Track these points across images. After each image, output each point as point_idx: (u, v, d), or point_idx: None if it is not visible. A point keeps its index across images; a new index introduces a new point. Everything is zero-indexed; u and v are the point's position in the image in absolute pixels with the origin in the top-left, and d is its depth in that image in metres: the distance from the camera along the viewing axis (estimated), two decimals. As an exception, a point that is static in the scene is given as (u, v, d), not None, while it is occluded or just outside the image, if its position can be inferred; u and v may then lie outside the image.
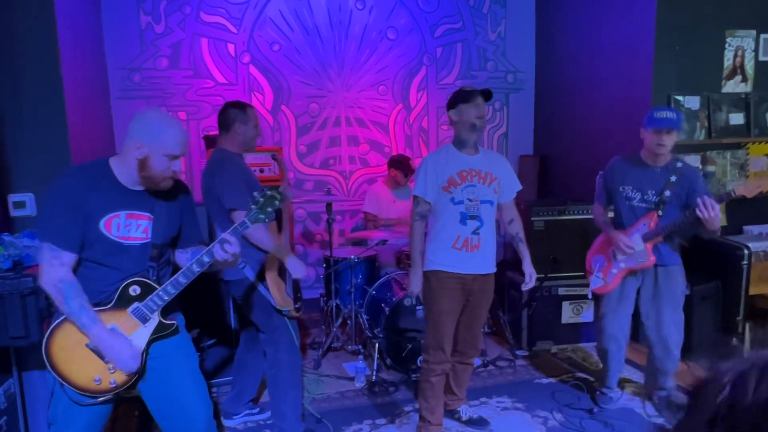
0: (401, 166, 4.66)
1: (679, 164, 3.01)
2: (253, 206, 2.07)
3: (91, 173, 2.00)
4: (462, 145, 2.82)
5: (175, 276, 2.04)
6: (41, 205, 2.07)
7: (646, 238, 3.04)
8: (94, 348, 1.98)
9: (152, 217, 2.06)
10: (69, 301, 1.91)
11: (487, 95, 2.77)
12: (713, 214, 2.73)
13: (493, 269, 2.91)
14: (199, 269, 2.03)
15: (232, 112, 2.91)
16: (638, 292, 3.16)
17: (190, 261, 2.10)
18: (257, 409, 3.30)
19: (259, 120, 3.01)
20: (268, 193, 2.08)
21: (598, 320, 3.35)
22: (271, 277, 2.84)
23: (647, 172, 3.03)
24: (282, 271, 2.90)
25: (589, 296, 3.42)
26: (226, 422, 3.24)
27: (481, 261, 2.83)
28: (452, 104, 2.80)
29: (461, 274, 2.80)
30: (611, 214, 3.29)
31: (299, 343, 2.95)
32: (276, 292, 2.82)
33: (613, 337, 3.22)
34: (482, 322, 3.04)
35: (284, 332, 2.87)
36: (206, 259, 2.03)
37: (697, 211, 2.77)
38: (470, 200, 2.77)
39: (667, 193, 2.98)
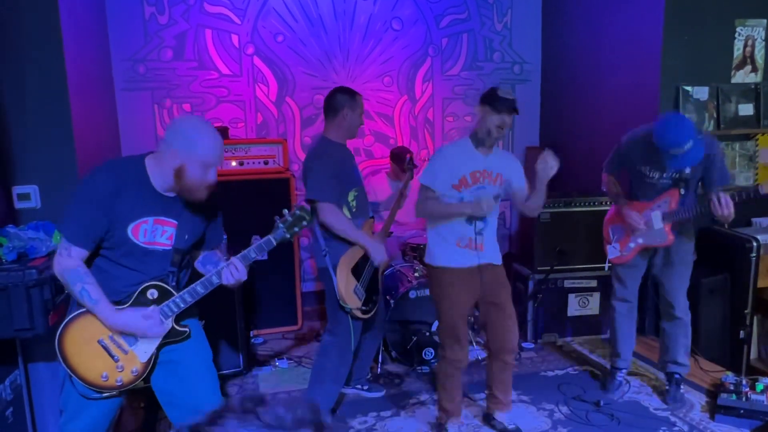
0: (397, 159, 4.61)
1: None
2: (280, 224, 2.09)
3: (125, 174, 1.98)
4: (479, 143, 2.77)
5: (193, 285, 2.06)
6: (67, 197, 2.08)
7: (665, 218, 3.02)
8: (106, 346, 1.99)
9: (177, 224, 2.05)
10: (72, 287, 1.95)
11: (514, 111, 2.72)
12: (727, 213, 2.76)
13: (498, 261, 2.88)
14: (218, 281, 2.07)
15: (341, 98, 2.99)
16: (650, 259, 3.22)
17: (200, 264, 2.14)
18: (367, 386, 3.44)
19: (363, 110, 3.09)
20: (297, 212, 2.10)
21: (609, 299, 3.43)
22: (342, 270, 2.91)
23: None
24: (360, 269, 3.01)
25: (606, 267, 3.48)
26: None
27: (484, 255, 2.81)
28: (483, 101, 2.72)
29: (467, 266, 2.78)
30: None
31: (356, 346, 3.04)
32: (342, 286, 2.90)
33: (624, 300, 3.29)
34: (507, 316, 2.86)
35: (345, 329, 2.97)
36: (215, 279, 2.08)
37: (711, 207, 2.79)
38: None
39: (687, 170, 2.94)
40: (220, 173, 4.02)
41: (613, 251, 3.28)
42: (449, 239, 2.77)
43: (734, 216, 2.80)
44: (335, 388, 3.09)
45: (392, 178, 4.69)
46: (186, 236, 2.08)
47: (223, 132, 4.36)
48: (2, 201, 2.95)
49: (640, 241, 3.14)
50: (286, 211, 2.11)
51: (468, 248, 2.76)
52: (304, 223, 2.10)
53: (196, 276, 2.13)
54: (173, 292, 2.05)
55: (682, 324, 3.18)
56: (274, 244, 2.08)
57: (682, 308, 3.16)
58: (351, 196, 2.98)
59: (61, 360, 1.98)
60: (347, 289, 2.92)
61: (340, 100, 2.98)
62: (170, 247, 2.05)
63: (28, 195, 3.06)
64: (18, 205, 3.05)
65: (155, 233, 2.02)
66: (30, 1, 3.00)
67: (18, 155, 3.04)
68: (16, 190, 3.04)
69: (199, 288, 2.05)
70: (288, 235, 2.09)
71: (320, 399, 3.00)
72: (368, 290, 3.04)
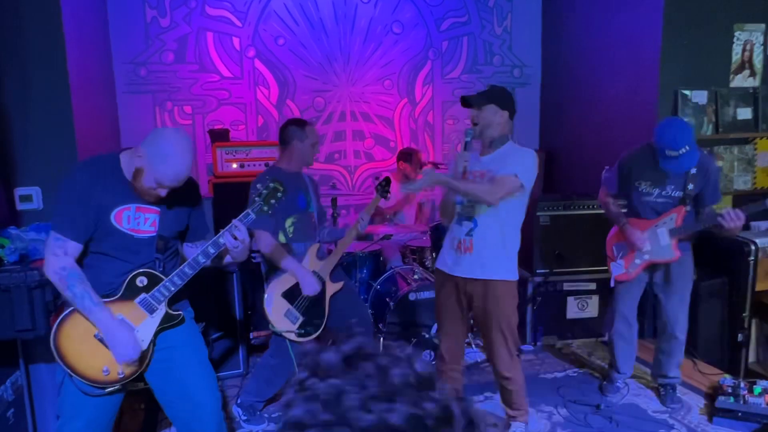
0: (409, 158, 4.62)
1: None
2: (256, 198, 2.14)
3: (99, 168, 2.02)
4: (487, 145, 2.69)
5: (181, 267, 2.08)
6: (53, 200, 2.09)
7: (672, 234, 3.02)
8: (102, 339, 1.99)
9: (159, 210, 2.08)
10: (72, 287, 1.93)
11: None
12: (739, 224, 2.82)
13: (490, 276, 2.62)
14: (204, 260, 2.07)
15: (291, 130, 3.05)
16: (651, 277, 3.20)
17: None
18: None
19: (318, 138, 3.14)
20: (271, 185, 2.15)
21: (610, 306, 3.39)
22: (271, 294, 3.00)
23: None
24: (297, 293, 3.01)
25: (611, 284, 3.31)
26: None
27: (470, 265, 2.65)
28: (505, 105, 2.63)
29: (453, 275, 2.71)
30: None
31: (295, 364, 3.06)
32: (270, 308, 2.98)
33: (624, 317, 3.27)
34: (493, 334, 2.71)
35: (285, 352, 3.03)
36: (211, 250, 2.07)
37: (720, 220, 2.84)
38: (467, 200, 2.65)
39: (690, 186, 2.96)
40: (222, 175, 4.09)
41: (617, 268, 3.21)
42: (448, 240, 2.80)
43: (741, 228, 2.87)
44: (270, 391, 3.16)
45: (402, 180, 4.64)
46: (169, 223, 2.11)
47: (224, 134, 4.38)
48: (4, 203, 2.97)
49: (647, 257, 3.10)
50: (259, 185, 2.18)
51: (458, 250, 2.67)
52: (279, 194, 2.15)
53: None
54: (161, 277, 2.07)
55: (678, 343, 3.18)
56: (253, 216, 2.11)
57: (680, 328, 3.15)
58: (288, 222, 3.05)
59: (59, 360, 1.98)
60: (276, 311, 2.99)
61: (289, 133, 3.04)
62: (155, 234, 2.08)
63: (30, 197, 3.07)
64: (20, 206, 3.06)
65: (139, 221, 2.05)
66: (33, 5, 3.02)
67: (20, 157, 3.06)
68: (19, 191, 3.06)
69: (186, 269, 2.07)
70: (266, 207, 2.14)
71: (260, 392, 3.12)
72: (309, 314, 3.05)
